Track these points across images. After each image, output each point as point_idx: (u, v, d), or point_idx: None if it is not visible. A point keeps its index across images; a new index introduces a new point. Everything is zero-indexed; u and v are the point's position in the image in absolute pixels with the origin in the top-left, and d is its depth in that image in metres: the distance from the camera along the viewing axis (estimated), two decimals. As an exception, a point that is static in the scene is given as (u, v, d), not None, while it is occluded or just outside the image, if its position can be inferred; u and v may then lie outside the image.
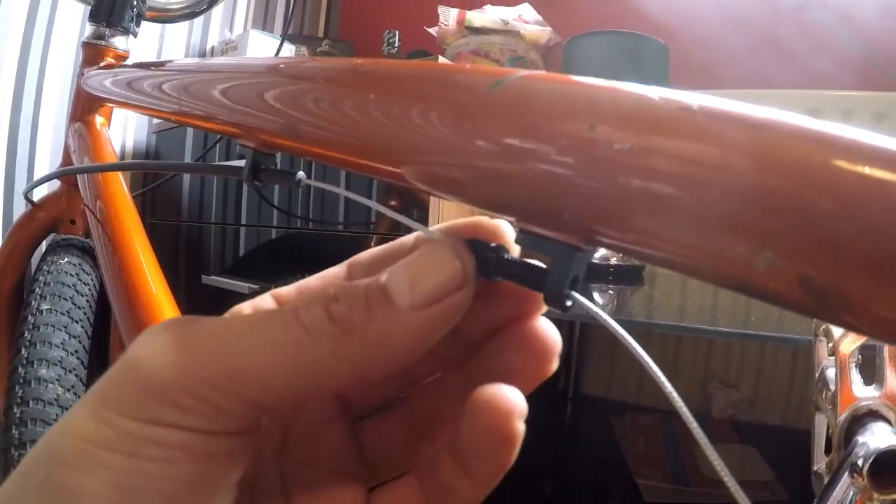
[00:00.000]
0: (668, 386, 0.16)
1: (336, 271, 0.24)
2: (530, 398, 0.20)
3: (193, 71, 0.34)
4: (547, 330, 0.22)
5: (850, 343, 0.40)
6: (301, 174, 0.29)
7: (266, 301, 0.23)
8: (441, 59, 1.24)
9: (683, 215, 0.15)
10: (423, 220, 0.95)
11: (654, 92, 0.16)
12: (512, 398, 0.19)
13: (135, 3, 0.78)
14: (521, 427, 0.19)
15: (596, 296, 0.84)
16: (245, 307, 0.23)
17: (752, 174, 0.14)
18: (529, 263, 0.19)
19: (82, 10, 1.43)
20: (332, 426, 0.23)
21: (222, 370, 0.18)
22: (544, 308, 0.21)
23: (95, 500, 0.17)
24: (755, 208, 0.14)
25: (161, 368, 0.18)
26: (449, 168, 0.19)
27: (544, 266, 0.19)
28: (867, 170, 0.13)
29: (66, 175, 0.79)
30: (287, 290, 0.24)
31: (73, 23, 1.45)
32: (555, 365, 0.22)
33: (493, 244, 0.20)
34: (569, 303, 0.18)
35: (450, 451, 0.21)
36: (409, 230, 0.23)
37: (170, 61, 0.42)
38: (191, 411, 0.18)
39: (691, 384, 1.36)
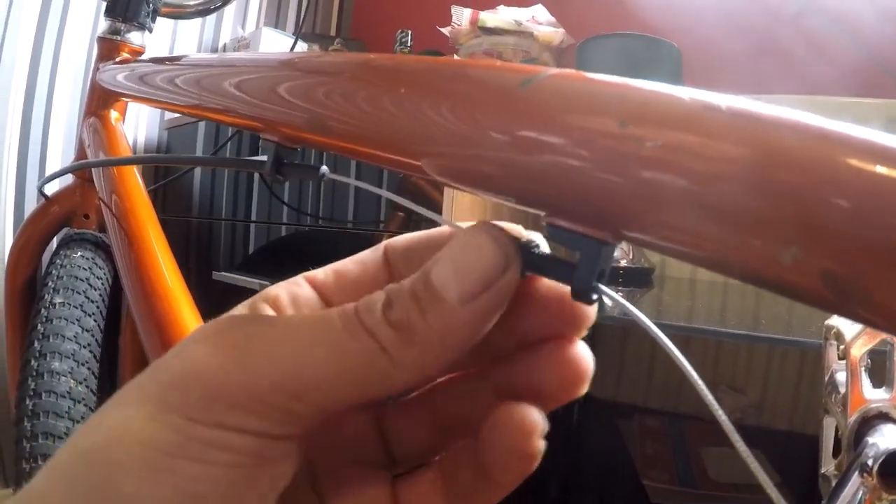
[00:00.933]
0: (691, 372, 0.17)
1: (372, 255, 0.24)
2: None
3: (216, 65, 0.34)
4: (584, 355, 0.21)
5: (860, 346, 0.40)
6: (325, 168, 0.30)
7: (302, 287, 0.23)
8: (453, 60, 1.24)
9: (711, 212, 0.15)
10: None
11: (682, 91, 0.16)
12: (534, 419, 0.20)
13: (150, -2, 0.79)
14: (541, 445, 0.20)
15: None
16: (281, 293, 0.23)
17: (778, 172, 0.14)
18: (557, 257, 0.19)
19: (95, 5, 1.44)
20: (357, 414, 0.23)
21: (294, 377, 0.18)
22: (583, 331, 0.21)
23: None
24: (782, 205, 0.14)
25: (230, 373, 0.18)
26: (482, 163, 0.19)
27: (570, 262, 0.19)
28: (886, 169, 0.13)
29: (82, 169, 0.79)
30: (324, 275, 0.23)
31: (85, 18, 1.46)
32: (585, 389, 0.21)
33: (522, 239, 0.20)
34: (594, 296, 0.19)
35: (472, 457, 0.21)
36: (429, 224, 0.23)
37: (188, 56, 0.42)
38: (260, 415, 0.18)
39: (700, 388, 1.35)
